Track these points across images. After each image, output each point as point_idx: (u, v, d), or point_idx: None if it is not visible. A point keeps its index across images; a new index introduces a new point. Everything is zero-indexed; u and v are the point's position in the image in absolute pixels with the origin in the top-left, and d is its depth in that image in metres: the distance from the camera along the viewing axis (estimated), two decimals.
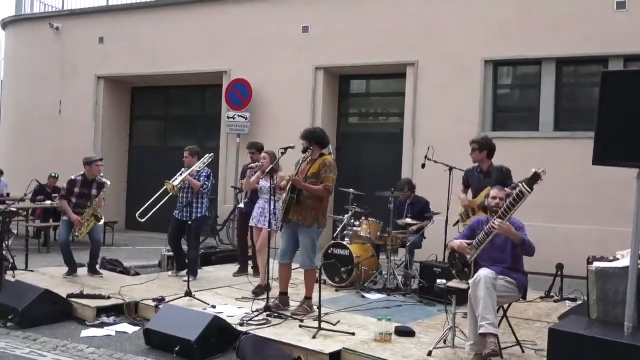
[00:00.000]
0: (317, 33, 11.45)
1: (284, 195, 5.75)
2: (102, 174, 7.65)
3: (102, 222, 7.51)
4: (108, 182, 7.67)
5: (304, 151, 5.76)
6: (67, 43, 14.14)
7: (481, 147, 6.35)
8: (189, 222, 7.19)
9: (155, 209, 7.43)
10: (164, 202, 7.53)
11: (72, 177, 7.53)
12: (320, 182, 5.65)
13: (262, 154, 6.82)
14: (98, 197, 7.46)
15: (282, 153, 5.89)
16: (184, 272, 6.97)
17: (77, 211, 7.36)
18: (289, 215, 5.68)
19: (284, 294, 5.95)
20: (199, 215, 7.31)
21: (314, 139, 5.77)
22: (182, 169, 7.40)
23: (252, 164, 7.09)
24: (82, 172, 7.53)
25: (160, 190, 7.45)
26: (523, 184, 4.24)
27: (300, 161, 5.78)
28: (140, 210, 7.36)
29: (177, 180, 7.18)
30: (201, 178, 7.27)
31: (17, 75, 15.23)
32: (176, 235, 7.54)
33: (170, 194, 7.29)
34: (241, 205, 7.77)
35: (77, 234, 7.37)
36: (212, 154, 7.60)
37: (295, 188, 5.62)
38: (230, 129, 11.91)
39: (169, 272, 7.69)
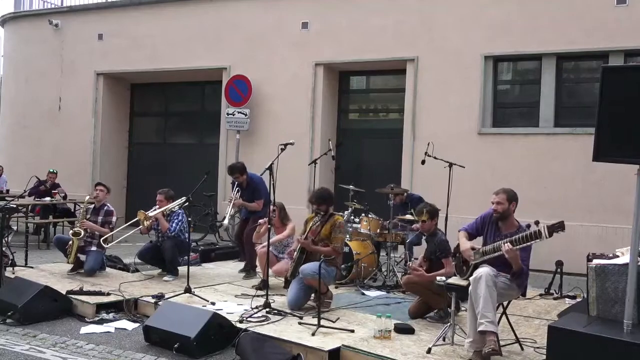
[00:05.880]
0: (317, 29, 11.42)
1: (294, 253, 6.02)
2: (96, 197, 7.51)
3: (80, 236, 7.16)
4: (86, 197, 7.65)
5: (315, 214, 5.99)
6: (67, 40, 14.10)
7: (432, 216, 5.94)
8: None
9: (123, 237, 7.42)
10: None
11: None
12: (330, 243, 5.85)
13: (272, 207, 6.44)
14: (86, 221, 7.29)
15: (282, 149, 6.01)
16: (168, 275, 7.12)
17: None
18: (299, 270, 5.86)
19: None
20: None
21: (322, 201, 5.96)
22: (155, 207, 7.24)
23: (260, 220, 7.01)
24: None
25: (133, 220, 7.35)
26: (545, 227, 4.14)
27: (312, 223, 5.94)
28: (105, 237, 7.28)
29: (151, 213, 7.08)
30: (173, 223, 7.11)
31: (17, 72, 15.18)
32: (146, 254, 7.37)
33: (139, 227, 7.10)
34: (225, 221, 7.69)
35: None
36: (189, 196, 6.97)
37: (305, 249, 5.88)
38: (230, 126, 11.89)
39: (159, 271, 7.51)
